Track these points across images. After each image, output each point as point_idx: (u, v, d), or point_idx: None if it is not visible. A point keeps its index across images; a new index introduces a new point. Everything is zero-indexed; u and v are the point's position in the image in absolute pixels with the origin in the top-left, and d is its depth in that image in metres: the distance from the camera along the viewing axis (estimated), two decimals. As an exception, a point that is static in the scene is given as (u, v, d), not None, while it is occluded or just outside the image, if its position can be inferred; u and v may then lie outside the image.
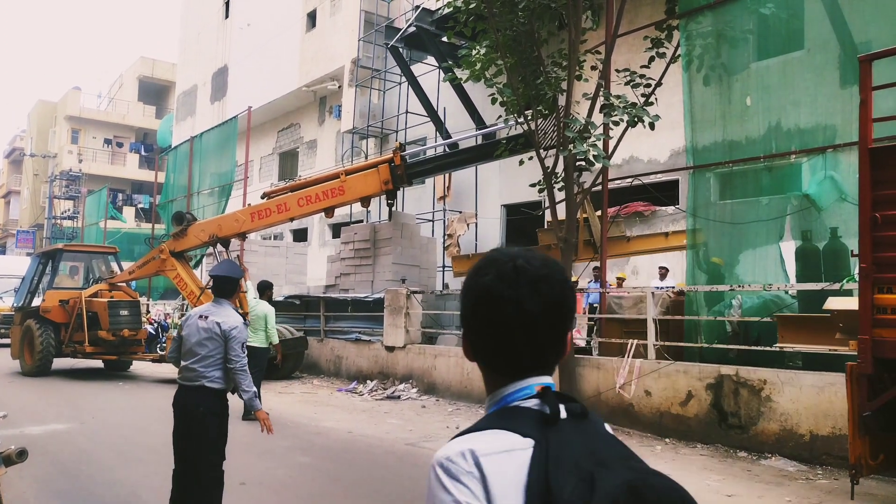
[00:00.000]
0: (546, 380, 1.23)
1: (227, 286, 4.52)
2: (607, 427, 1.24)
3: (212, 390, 4.31)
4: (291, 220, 13.11)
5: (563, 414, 1.16)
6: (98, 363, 14.98)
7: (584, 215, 10.32)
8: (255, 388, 4.48)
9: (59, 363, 14.14)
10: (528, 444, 1.10)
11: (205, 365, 4.30)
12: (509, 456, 1.08)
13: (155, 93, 49.52)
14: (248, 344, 9.35)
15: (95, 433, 8.22)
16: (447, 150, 14.75)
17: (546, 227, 12.09)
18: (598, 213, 11.34)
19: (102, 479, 5.99)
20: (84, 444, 7.54)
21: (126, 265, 15.71)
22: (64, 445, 6.07)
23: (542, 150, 9.63)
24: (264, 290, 9.82)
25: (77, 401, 10.51)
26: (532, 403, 1.18)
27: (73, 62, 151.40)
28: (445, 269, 18.02)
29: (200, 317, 4.40)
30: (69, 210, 43.41)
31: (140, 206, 44.66)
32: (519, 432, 1.11)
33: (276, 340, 9.76)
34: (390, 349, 12.29)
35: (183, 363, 4.36)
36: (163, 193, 23.34)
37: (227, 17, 31.16)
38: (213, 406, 4.31)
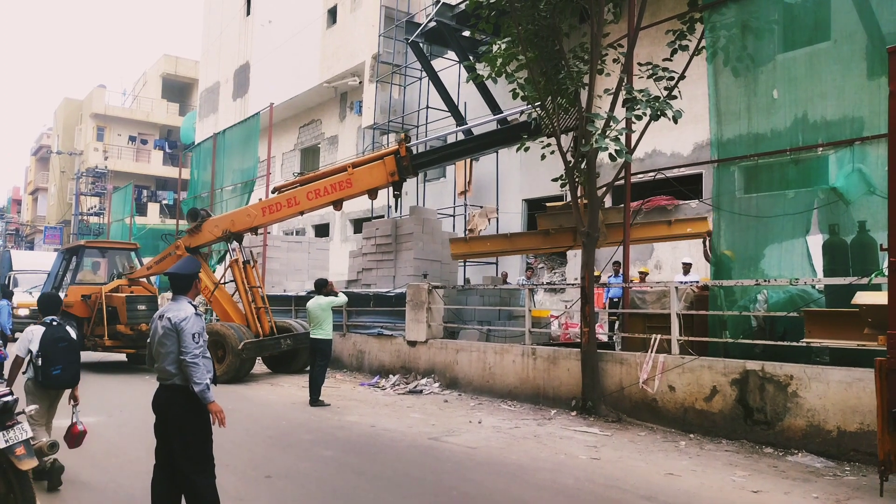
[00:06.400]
0: (54, 317, 5.87)
1: (179, 282, 4.54)
2: (67, 328, 5.85)
3: (180, 387, 4.34)
4: (301, 213, 13.15)
5: (55, 322, 5.80)
6: (122, 356, 15.26)
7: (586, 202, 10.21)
8: (207, 381, 4.30)
9: (83, 356, 14.35)
10: (43, 328, 5.75)
11: (170, 363, 4.34)
12: (38, 329, 5.74)
13: (178, 90, 50.03)
14: (311, 336, 10.11)
15: (122, 425, 8.37)
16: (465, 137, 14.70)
17: (547, 212, 11.93)
18: (619, 206, 11.24)
19: (131, 471, 6.09)
20: (112, 437, 7.67)
21: (147, 261, 15.92)
22: (92, 438, 6.16)
23: (562, 143, 9.58)
24: (321, 287, 10.48)
25: (103, 394, 10.68)
26: (49, 321, 5.83)
27: (97, 60, 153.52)
28: (467, 264, 18.03)
29: (160, 317, 4.45)
30: (95, 206, 44.07)
31: (164, 202, 45.20)
32: (41, 325, 5.79)
33: (341, 301, 10.76)
34: (412, 344, 12.33)
35: (156, 365, 4.44)
36: (188, 190, 23.59)
37: (248, 14, 31.36)
38: (182, 401, 4.33)
